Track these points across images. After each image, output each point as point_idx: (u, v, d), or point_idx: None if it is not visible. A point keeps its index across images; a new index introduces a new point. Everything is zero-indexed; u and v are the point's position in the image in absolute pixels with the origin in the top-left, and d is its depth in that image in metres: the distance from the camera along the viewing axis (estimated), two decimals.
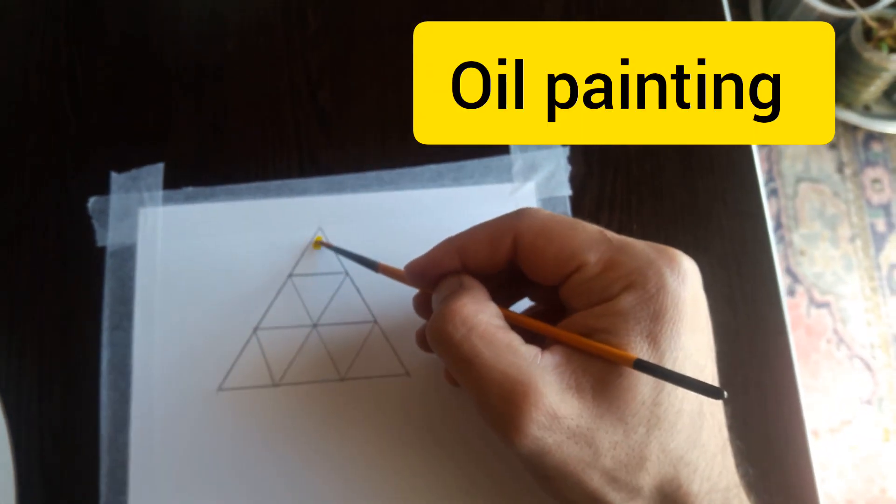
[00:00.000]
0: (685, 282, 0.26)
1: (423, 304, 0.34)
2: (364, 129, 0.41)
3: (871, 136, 1.33)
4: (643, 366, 0.24)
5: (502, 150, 0.40)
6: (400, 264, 0.38)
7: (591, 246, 0.27)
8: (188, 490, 0.35)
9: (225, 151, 0.41)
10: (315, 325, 0.37)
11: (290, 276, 0.38)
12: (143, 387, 0.36)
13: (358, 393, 0.36)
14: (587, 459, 0.25)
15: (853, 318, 1.24)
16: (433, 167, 0.40)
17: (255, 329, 0.37)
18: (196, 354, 0.37)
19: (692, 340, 0.26)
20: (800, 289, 1.26)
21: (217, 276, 0.38)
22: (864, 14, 1.14)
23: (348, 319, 0.37)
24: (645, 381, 0.25)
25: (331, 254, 0.38)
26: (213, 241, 0.39)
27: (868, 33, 1.15)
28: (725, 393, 0.23)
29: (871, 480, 1.17)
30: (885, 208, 1.30)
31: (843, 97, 1.26)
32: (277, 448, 0.36)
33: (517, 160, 0.40)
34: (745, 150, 0.40)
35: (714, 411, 0.27)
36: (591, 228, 0.28)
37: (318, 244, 0.38)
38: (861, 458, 1.18)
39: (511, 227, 0.28)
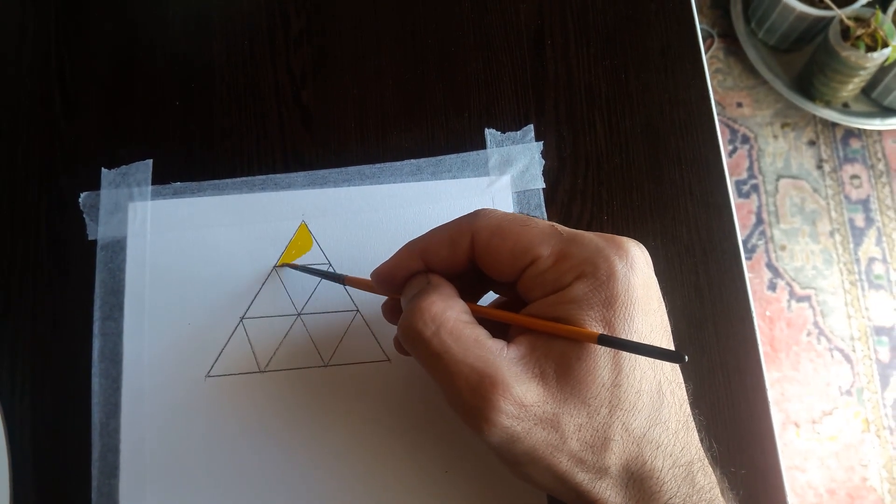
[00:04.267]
0: (634, 267, 0.28)
1: (392, 310, 0.35)
2: (346, 127, 0.43)
3: (850, 133, 1.35)
4: (606, 340, 0.26)
5: (479, 145, 0.42)
6: (381, 256, 0.39)
7: (543, 240, 0.28)
8: (177, 473, 0.36)
9: (211, 148, 0.42)
10: (299, 314, 0.39)
11: (275, 266, 0.39)
12: (133, 374, 0.38)
13: (341, 378, 0.38)
14: (555, 443, 0.26)
15: (833, 312, 1.27)
16: (413, 162, 0.42)
17: (242, 318, 0.39)
18: (184, 343, 0.38)
19: (646, 322, 0.28)
20: (780, 283, 1.28)
21: (204, 267, 0.39)
22: (842, 13, 1.16)
23: (331, 308, 0.39)
24: (603, 364, 0.27)
25: (315, 247, 0.40)
26: (200, 234, 0.40)
27: (846, 32, 1.17)
28: (686, 356, 0.24)
29: (851, 470, 1.19)
30: (864, 203, 1.32)
31: (822, 95, 1.29)
32: (263, 432, 0.37)
33: (493, 155, 0.42)
34: (711, 144, 0.42)
35: (674, 389, 0.29)
36: (543, 224, 0.29)
37: (282, 266, 0.39)
38: (842, 448, 1.20)
39: (468, 227, 0.30)
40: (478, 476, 0.37)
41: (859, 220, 1.31)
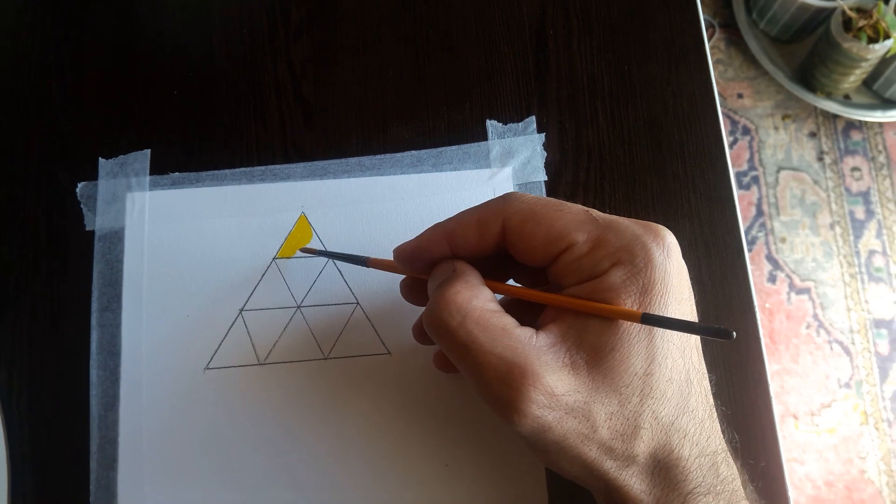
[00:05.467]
0: (670, 255, 0.27)
1: (410, 289, 0.34)
2: (346, 118, 0.42)
3: (851, 125, 1.35)
4: (650, 319, 0.26)
5: (480, 136, 0.42)
6: (382, 247, 0.40)
7: (578, 226, 0.28)
8: (175, 465, 0.36)
9: (210, 139, 0.42)
10: (299, 307, 0.39)
11: (275, 258, 0.39)
12: (132, 366, 0.37)
13: (341, 371, 0.38)
14: (585, 432, 0.26)
15: (833, 304, 1.27)
16: (413, 153, 0.41)
17: (241, 310, 0.38)
18: (183, 335, 0.38)
19: (678, 310, 0.27)
20: (780, 275, 1.28)
21: (203, 258, 0.39)
22: (844, 5, 1.16)
23: (331, 301, 0.39)
24: (636, 353, 0.27)
25: (315, 238, 0.40)
26: (198, 225, 0.40)
27: (847, 24, 1.17)
28: (734, 333, 0.24)
29: (850, 462, 1.20)
30: (864, 196, 1.32)
31: (824, 87, 1.28)
32: (262, 424, 0.37)
33: (494, 147, 0.41)
34: (715, 137, 0.42)
35: (700, 379, 0.29)
36: (577, 209, 0.29)
37: (305, 251, 0.39)
38: (840, 441, 1.21)
39: (498, 211, 0.29)
40: (478, 469, 0.37)
41: (859, 213, 1.31)
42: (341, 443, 0.37)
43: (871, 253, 1.29)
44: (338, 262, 0.39)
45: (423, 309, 0.34)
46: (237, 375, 0.38)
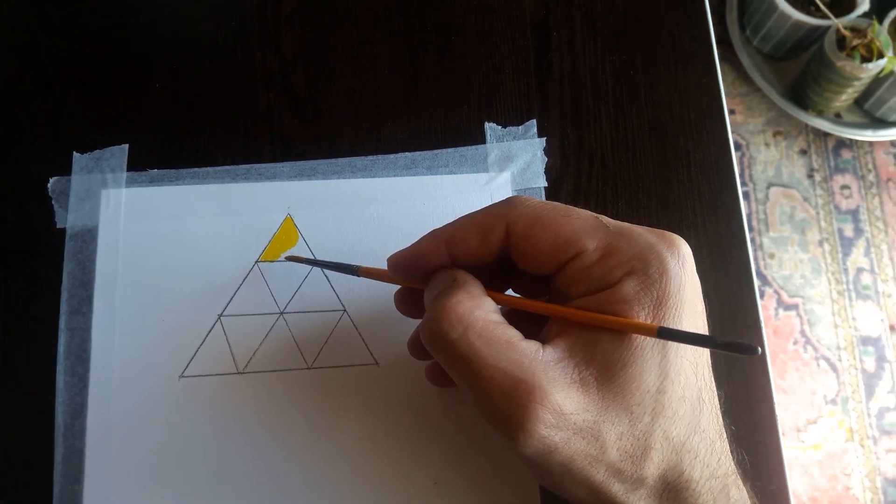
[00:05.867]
0: (685, 266, 0.26)
1: (405, 300, 0.32)
2: (337, 115, 0.40)
3: (842, 144, 1.35)
4: (667, 333, 0.24)
5: (478, 139, 0.40)
6: (372, 252, 0.38)
7: (588, 232, 0.27)
8: (146, 479, 0.34)
9: (192, 134, 0.40)
10: (282, 313, 0.36)
11: (257, 261, 0.37)
12: (101, 373, 0.35)
13: (325, 382, 0.36)
14: (594, 454, 0.25)
15: (820, 321, 1.26)
16: (407, 155, 0.39)
17: (220, 315, 0.36)
18: (157, 340, 0.36)
19: (692, 324, 0.26)
20: (769, 291, 1.27)
21: (181, 260, 0.37)
22: (838, 23, 1.16)
23: (316, 307, 0.37)
24: (649, 370, 0.25)
25: (301, 241, 0.38)
26: (177, 225, 0.37)
27: (841, 42, 1.17)
28: (759, 348, 0.22)
29: (835, 479, 1.19)
30: (853, 214, 1.32)
31: (816, 105, 1.28)
32: (241, 437, 0.35)
33: (493, 150, 0.40)
34: (722, 144, 0.40)
35: (711, 397, 0.27)
36: (586, 214, 0.27)
37: (290, 259, 0.37)
38: (825, 457, 1.20)
39: (502, 216, 0.28)
40: (469, 487, 0.35)
41: (848, 231, 1.31)
42: (324, 457, 0.35)
43: (859, 271, 1.29)
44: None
45: (415, 319, 0.32)
46: (214, 384, 0.35)
